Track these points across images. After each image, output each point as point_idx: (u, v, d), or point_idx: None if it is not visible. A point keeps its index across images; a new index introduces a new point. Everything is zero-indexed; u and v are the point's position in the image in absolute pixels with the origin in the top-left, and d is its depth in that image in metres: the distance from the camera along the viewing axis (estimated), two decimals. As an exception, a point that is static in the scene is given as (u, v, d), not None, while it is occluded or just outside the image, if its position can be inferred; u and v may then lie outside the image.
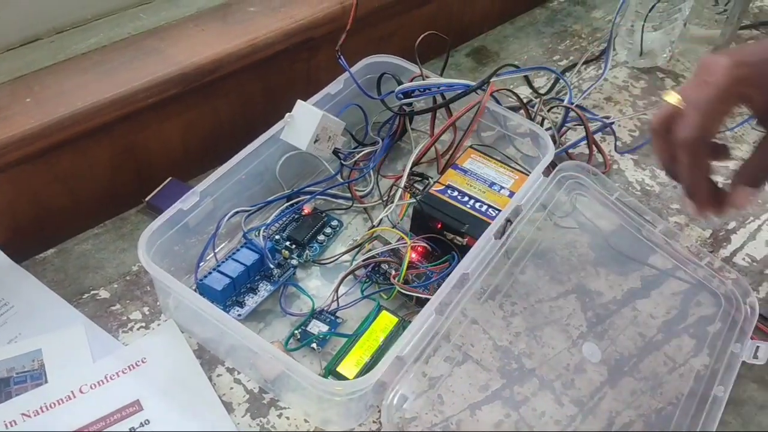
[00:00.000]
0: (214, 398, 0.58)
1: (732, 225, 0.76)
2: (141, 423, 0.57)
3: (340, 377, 0.59)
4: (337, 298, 0.64)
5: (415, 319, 0.56)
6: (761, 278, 0.71)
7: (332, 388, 0.54)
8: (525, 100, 0.81)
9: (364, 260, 0.66)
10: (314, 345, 0.61)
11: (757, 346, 0.62)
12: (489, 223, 0.66)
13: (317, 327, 0.63)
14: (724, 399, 0.59)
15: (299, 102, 0.68)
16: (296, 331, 0.62)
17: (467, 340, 0.63)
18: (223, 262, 0.64)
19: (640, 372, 0.63)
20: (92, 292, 0.65)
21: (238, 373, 0.60)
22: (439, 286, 0.61)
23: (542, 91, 0.86)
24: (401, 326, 0.62)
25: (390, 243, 0.67)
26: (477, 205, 0.68)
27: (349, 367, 0.59)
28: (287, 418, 0.58)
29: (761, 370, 0.63)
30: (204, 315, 0.57)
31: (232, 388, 0.60)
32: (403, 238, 0.66)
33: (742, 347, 0.63)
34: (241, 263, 0.64)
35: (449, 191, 0.69)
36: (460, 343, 0.62)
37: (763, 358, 0.61)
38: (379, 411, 0.58)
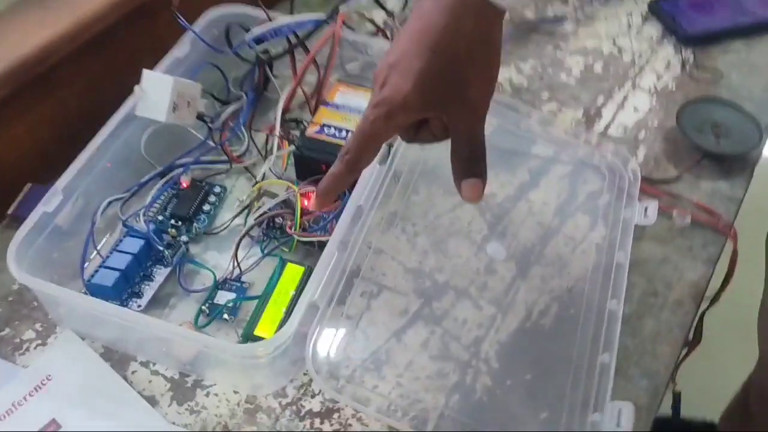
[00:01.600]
0: (134, 396, 0.56)
1: (600, 101, 0.78)
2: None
3: (259, 339, 0.57)
4: (238, 264, 0.62)
5: (320, 262, 0.55)
6: (636, 143, 0.74)
7: (252, 351, 0.52)
8: (382, 23, 0.79)
9: (256, 219, 0.64)
10: (225, 316, 0.59)
11: (645, 207, 0.65)
12: (371, 152, 0.65)
13: (224, 297, 0.61)
14: (626, 263, 0.62)
15: (145, 72, 0.64)
16: (203, 307, 0.60)
17: (378, 270, 0.63)
18: (108, 256, 0.61)
19: (545, 258, 0.65)
20: (-25, 323, 0.60)
21: (154, 364, 0.58)
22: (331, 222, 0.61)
23: (395, 11, 0.84)
24: (309, 274, 0.61)
25: (278, 195, 0.65)
26: (355, 136, 0.67)
27: (265, 327, 0.58)
28: (215, 395, 0.56)
29: (654, 228, 0.66)
30: (101, 316, 0.54)
31: (150, 381, 0.57)
32: (290, 187, 0.65)
33: (633, 211, 0.65)
34: (128, 253, 0.60)
35: (325, 129, 0.68)
36: (372, 275, 0.62)
37: (652, 216, 0.64)
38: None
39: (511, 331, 0.61)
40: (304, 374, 0.58)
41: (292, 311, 0.58)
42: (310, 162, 0.66)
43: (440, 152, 0.71)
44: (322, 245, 0.62)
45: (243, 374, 0.56)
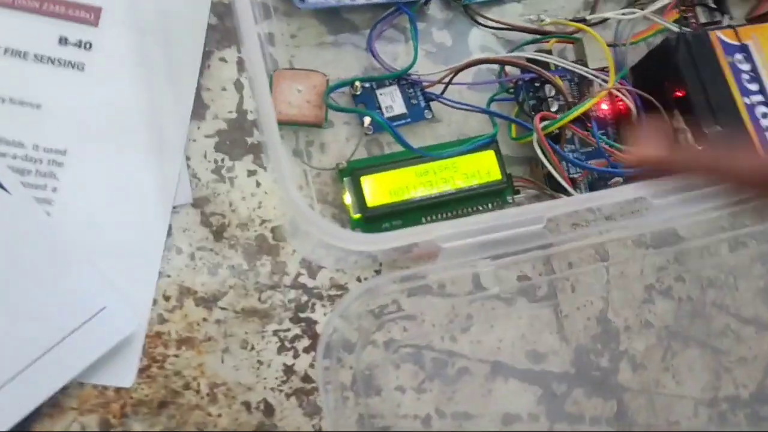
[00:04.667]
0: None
1: None
2: (85, 44, 0.36)
3: (357, 191, 0.35)
4: (449, 81, 0.37)
5: (512, 210, 0.30)
6: None
7: (326, 228, 0.30)
8: None
9: (533, 54, 0.37)
10: (367, 122, 0.37)
11: None
12: None
13: (391, 98, 0.38)
14: None
15: None
16: (359, 83, 0.37)
17: (565, 292, 0.37)
18: None
19: None
20: None
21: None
22: (592, 183, 0.34)
23: None
24: (500, 191, 0.36)
25: (583, 64, 0.38)
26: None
27: (378, 187, 0.35)
28: (240, 188, 0.36)
29: None
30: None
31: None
32: (607, 70, 0.37)
33: None
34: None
35: (740, 57, 0.38)
36: (559, 285, 0.37)
37: None
38: (379, 266, 0.36)
39: None
40: (358, 280, 0.36)
41: (431, 206, 0.35)
42: (672, 73, 0.37)
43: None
44: (553, 182, 0.36)
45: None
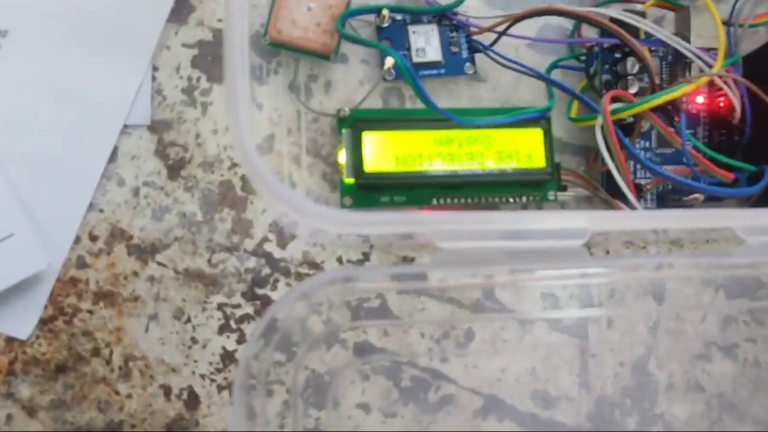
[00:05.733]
0: None
1: None
2: None
3: (355, 149, 0.27)
4: (503, 31, 0.29)
5: (547, 213, 0.22)
6: None
7: (275, 187, 0.22)
8: None
9: (620, 13, 0.28)
10: (388, 63, 0.28)
11: None
12: None
13: (425, 40, 0.29)
14: None
15: None
16: (387, 12, 0.29)
17: (602, 331, 0.29)
18: None
19: None
20: None
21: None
22: (663, 195, 0.26)
23: None
24: (541, 183, 0.28)
25: (684, 39, 0.29)
26: None
27: (383, 148, 0.27)
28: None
29: None
30: None
31: None
32: (713, 53, 0.28)
33: None
34: None
35: None
36: (593, 317, 0.29)
37: None
38: (370, 248, 0.28)
39: None
40: (338, 261, 0.29)
41: (446, 184, 0.27)
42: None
43: None
44: (612, 183, 0.28)
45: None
